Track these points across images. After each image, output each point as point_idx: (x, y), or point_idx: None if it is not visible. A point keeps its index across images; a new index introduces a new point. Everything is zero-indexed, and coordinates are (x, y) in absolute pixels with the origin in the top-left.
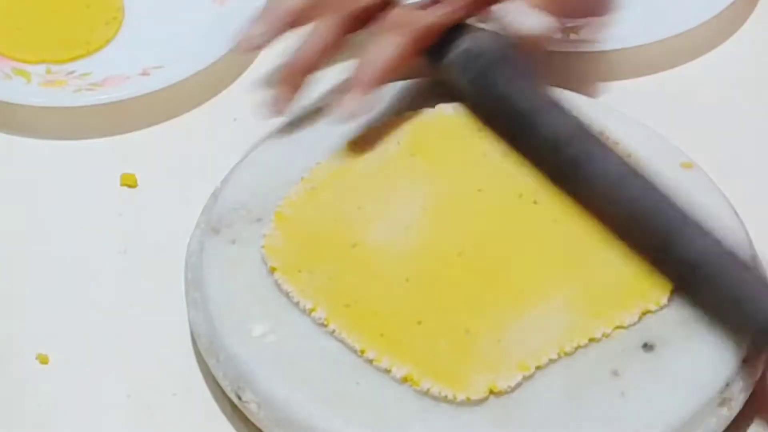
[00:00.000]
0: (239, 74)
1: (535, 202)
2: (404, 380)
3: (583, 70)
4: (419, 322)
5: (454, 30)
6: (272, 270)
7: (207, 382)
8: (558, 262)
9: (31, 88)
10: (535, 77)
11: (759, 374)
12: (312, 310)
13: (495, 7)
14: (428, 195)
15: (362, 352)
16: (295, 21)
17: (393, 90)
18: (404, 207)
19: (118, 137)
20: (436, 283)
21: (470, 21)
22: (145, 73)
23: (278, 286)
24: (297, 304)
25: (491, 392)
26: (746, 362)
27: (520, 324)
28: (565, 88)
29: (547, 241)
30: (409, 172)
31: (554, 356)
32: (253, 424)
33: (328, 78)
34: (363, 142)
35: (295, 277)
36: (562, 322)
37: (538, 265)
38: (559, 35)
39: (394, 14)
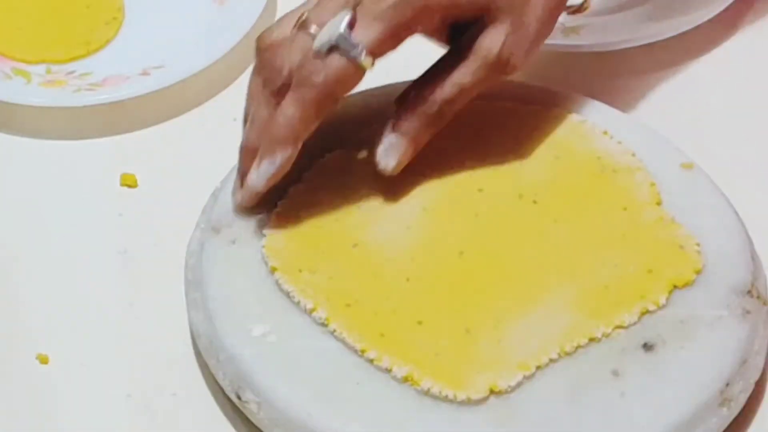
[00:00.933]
0: (239, 74)
1: (535, 202)
2: (405, 380)
3: (583, 70)
4: (420, 322)
5: None
6: (272, 270)
7: (207, 382)
8: (558, 262)
9: (31, 88)
10: None
11: (759, 374)
12: (312, 309)
13: None
14: (428, 195)
15: (363, 351)
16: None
17: (392, 91)
18: (404, 207)
19: (118, 137)
20: (437, 283)
21: None
22: (145, 73)
23: (278, 286)
24: (297, 304)
25: (492, 392)
26: (746, 362)
27: (521, 324)
28: (566, 88)
29: (547, 241)
30: (409, 172)
31: (554, 356)
32: (253, 424)
33: None
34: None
35: (296, 277)
36: (562, 322)
37: (538, 265)
38: (559, 35)
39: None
